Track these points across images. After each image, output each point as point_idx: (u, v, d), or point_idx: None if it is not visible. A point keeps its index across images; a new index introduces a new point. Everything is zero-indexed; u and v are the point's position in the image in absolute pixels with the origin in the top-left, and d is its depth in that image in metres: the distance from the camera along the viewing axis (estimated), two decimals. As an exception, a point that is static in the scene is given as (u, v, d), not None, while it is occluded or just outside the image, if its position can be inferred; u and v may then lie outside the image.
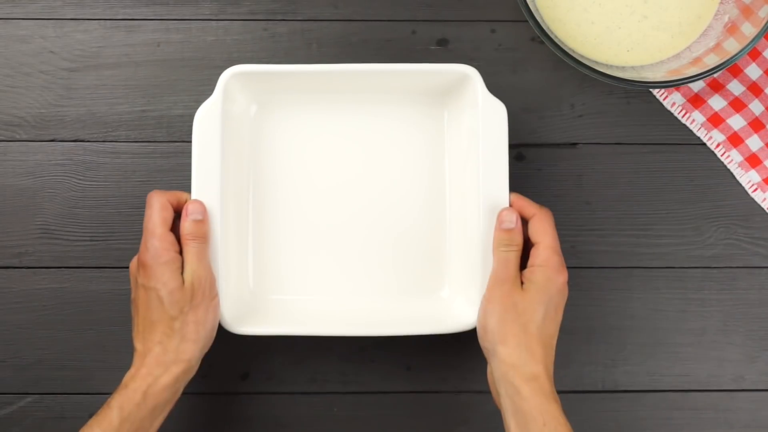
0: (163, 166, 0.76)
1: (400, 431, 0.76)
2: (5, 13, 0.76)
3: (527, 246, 0.68)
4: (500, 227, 0.68)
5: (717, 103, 0.76)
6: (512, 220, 0.68)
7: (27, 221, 0.75)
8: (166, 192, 0.68)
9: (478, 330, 0.68)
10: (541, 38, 0.69)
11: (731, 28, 0.71)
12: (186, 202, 0.68)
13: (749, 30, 0.69)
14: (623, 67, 0.73)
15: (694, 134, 0.76)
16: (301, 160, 0.74)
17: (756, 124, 0.76)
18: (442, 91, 0.72)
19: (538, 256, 0.67)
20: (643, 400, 0.76)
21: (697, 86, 0.76)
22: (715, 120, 0.76)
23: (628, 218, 0.76)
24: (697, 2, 0.73)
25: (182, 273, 0.66)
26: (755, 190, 0.76)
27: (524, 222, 0.68)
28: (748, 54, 0.74)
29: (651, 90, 0.76)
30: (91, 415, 0.64)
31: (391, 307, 0.73)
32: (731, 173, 0.76)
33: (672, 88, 0.76)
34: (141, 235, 0.67)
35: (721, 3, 0.73)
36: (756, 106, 0.76)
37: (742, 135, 0.76)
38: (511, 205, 0.69)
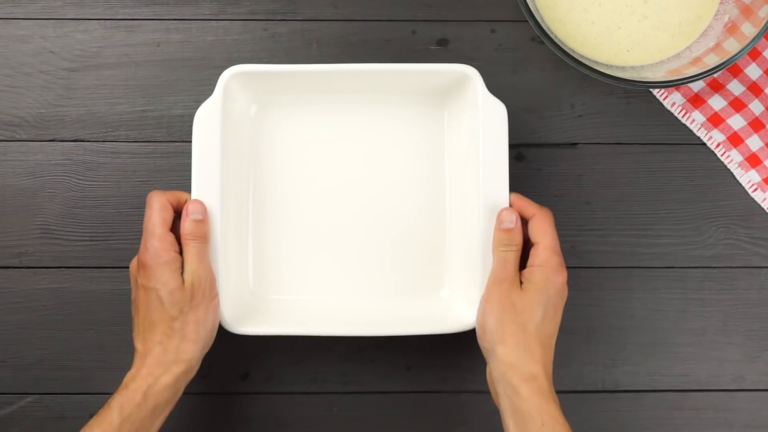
0: (163, 166, 0.76)
1: (400, 431, 0.76)
2: (5, 13, 0.76)
3: (527, 246, 0.68)
4: (500, 227, 0.68)
5: (717, 103, 0.76)
6: (512, 220, 0.68)
7: (27, 221, 0.75)
8: (166, 192, 0.68)
9: (477, 330, 0.68)
10: (541, 38, 0.69)
11: (731, 28, 0.71)
12: (186, 202, 0.68)
13: (749, 30, 0.69)
14: (623, 67, 0.73)
15: (694, 134, 0.76)
16: (301, 160, 0.74)
17: (756, 124, 0.76)
18: (442, 91, 0.72)
19: (537, 256, 0.67)
20: (643, 400, 0.76)
21: (697, 86, 0.76)
22: (715, 120, 0.76)
23: (628, 218, 0.76)
24: (697, 2, 0.73)
25: (182, 273, 0.66)
26: (755, 190, 0.76)
27: (524, 222, 0.68)
28: (748, 54, 0.74)
29: (651, 90, 0.76)
30: (91, 415, 0.64)
31: (391, 307, 0.73)
32: (731, 173, 0.76)
33: (672, 88, 0.76)
34: (141, 235, 0.67)
35: (721, 3, 0.73)
36: (756, 106, 0.76)
37: (742, 135, 0.76)
38: (511, 205, 0.69)
